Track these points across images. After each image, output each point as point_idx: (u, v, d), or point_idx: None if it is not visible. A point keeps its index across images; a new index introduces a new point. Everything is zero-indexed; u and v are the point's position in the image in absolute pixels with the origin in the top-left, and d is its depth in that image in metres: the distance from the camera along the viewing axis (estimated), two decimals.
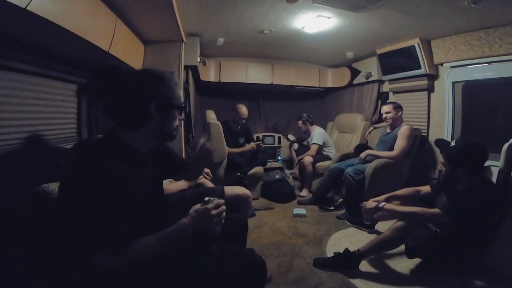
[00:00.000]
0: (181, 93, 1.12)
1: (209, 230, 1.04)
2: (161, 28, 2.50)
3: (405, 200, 2.17)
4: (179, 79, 2.91)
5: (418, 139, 3.20)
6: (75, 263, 1.09)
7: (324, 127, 4.60)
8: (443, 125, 3.37)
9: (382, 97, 4.18)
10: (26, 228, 1.25)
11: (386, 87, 4.12)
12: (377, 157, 3.05)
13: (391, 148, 3.05)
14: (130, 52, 2.40)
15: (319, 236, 2.61)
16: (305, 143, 4.43)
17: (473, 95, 3.25)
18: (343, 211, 3.16)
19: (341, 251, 2.07)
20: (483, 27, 2.72)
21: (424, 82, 3.45)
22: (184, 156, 2.95)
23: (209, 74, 4.26)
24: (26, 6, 1.03)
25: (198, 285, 1.07)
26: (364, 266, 2.03)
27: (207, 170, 2.07)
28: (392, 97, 3.98)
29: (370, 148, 3.36)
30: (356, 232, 2.73)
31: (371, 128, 3.76)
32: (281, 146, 5.01)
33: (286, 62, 4.74)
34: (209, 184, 2.16)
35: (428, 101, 3.54)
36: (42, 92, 1.75)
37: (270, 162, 4.53)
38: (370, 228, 2.67)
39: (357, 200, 2.53)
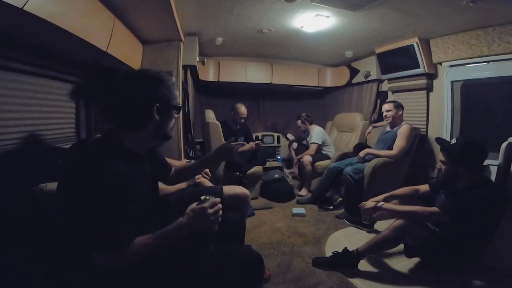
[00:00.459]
0: (178, 93, 1.11)
1: (206, 229, 1.05)
2: (159, 28, 2.50)
3: (404, 199, 2.17)
4: (178, 79, 2.91)
5: (417, 138, 3.20)
6: (74, 263, 1.09)
7: (323, 126, 4.61)
8: (442, 124, 3.37)
9: (381, 96, 4.18)
10: (25, 228, 1.25)
11: (385, 86, 4.12)
12: (376, 156, 3.05)
13: (390, 147, 3.05)
14: (128, 52, 2.40)
15: (318, 236, 2.61)
16: (304, 142, 4.43)
17: (471, 94, 3.26)
18: (342, 211, 3.16)
19: (340, 251, 2.07)
20: (482, 26, 2.72)
21: (423, 81, 3.45)
22: (183, 156, 2.95)
23: (208, 74, 4.26)
24: (23, 6, 1.03)
25: (196, 282, 1.08)
26: (363, 265, 2.03)
27: (205, 169, 2.06)
28: (391, 96, 3.98)
29: (369, 147, 3.36)
30: (355, 231, 2.74)
31: (370, 128, 3.77)
32: (280, 146, 5.01)
33: (285, 62, 4.74)
34: (208, 184, 2.16)
35: (427, 100, 3.54)
36: (41, 92, 1.75)
37: (269, 161, 4.53)
38: (369, 227, 2.68)
39: (356, 200, 2.54)
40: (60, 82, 1.92)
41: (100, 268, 0.92)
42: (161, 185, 1.69)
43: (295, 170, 4.38)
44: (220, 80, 4.33)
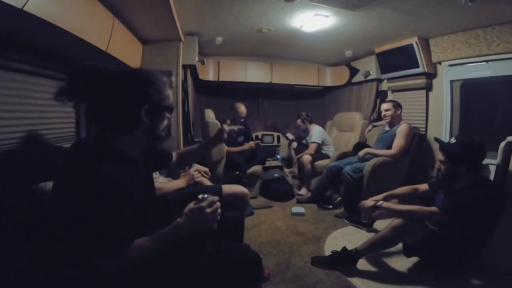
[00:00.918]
0: (170, 92, 1.10)
1: (205, 228, 1.03)
2: (159, 28, 2.51)
3: (403, 198, 2.17)
4: (178, 79, 2.92)
5: (416, 138, 3.20)
6: (74, 262, 1.10)
7: (323, 126, 4.61)
8: (441, 123, 3.37)
9: (381, 96, 4.18)
10: (25, 227, 1.25)
11: (384, 86, 4.12)
12: (375, 155, 3.06)
13: (389, 147, 3.06)
14: (128, 51, 2.41)
15: (318, 235, 2.62)
16: (304, 141, 4.44)
17: (471, 93, 3.26)
18: (341, 210, 3.17)
19: (339, 250, 2.07)
20: (481, 25, 2.72)
21: (422, 81, 3.45)
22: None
23: (208, 73, 4.26)
24: (23, 7, 1.04)
25: (194, 281, 1.07)
26: (362, 264, 2.04)
27: (205, 169, 2.07)
28: (390, 96, 3.98)
29: (369, 147, 3.36)
30: (354, 230, 2.74)
31: (370, 126, 3.77)
32: (280, 145, 5.02)
33: (285, 61, 4.74)
34: (207, 183, 2.16)
35: (426, 100, 3.54)
36: (41, 91, 1.75)
37: (269, 160, 4.53)
38: (368, 226, 2.68)
39: (355, 199, 2.54)
40: (60, 82, 1.92)
41: (99, 268, 0.93)
42: (159, 184, 1.70)
43: (294, 169, 4.39)
44: (219, 79, 4.34)
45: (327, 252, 2.22)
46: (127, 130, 0.99)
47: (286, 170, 4.53)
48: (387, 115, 3.12)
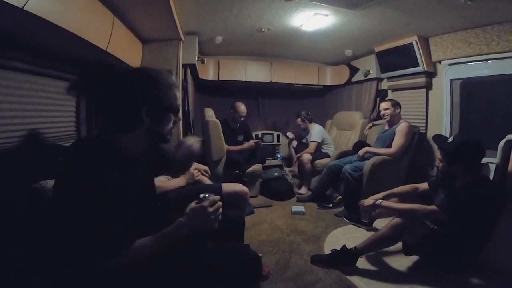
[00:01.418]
0: (177, 93, 1.07)
1: (206, 228, 1.04)
2: (159, 27, 2.51)
3: (403, 197, 2.18)
4: (178, 78, 2.92)
5: (416, 137, 3.21)
6: (74, 262, 1.10)
7: (323, 125, 4.61)
8: (441, 122, 3.37)
9: (381, 95, 4.18)
10: (25, 226, 1.25)
11: (384, 85, 4.13)
12: (375, 154, 3.06)
13: (389, 145, 3.06)
14: (128, 51, 2.41)
15: (317, 234, 2.62)
16: (304, 140, 4.44)
17: (471, 92, 3.26)
18: (341, 209, 3.17)
19: (339, 248, 2.07)
20: (481, 24, 2.72)
21: (422, 80, 3.45)
22: None
23: (208, 73, 4.27)
24: (23, 6, 1.04)
25: (194, 280, 1.08)
26: (362, 263, 2.04)
27: (205, 167, 2.07)
28: (390, 95, 3.98)
29: (369, 146, 3.37)
30: (354, 229, 2.75)
31: (370, 124, 3.77)
32: (280, 144, 5.03)
33: (285, 60, 4.74)
34: (207, 182, 2.17)
35: (426, 99, 3.54)
36: (41, 90, 1.76)
37: (269, 159, 4.54)
38: (368, 225, 2.68)
39: (355, 198, 2.55)
40: (60, 81, 1.93)
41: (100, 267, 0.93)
42: (159, 183, 1.71)
43: (294, 168, 4.39)
44: (219, 79, 4.34)
45: (327, 251, 2.23)
46: (127, 129, 0.98)
47: (286, 169, 4.54)
48: (386, 114, 3.13)
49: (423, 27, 2.97)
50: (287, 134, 4.83)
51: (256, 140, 3.80)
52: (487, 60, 2.86)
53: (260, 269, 1.28)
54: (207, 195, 1.06)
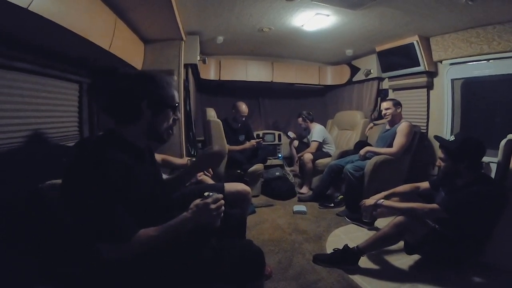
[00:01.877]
0: (175, 92, 1.17)
1: (209, 224, 1.09)
2: (160, 27, 2.52)
3: (404, 196, 2.18)
4: (179, 78, 2.93)
5: (417, 136, 3.21)
6: (77, 259, 1.11)
7: (324, 124, 4.61)
8: (442, 122, 3.37)
9: (382, 94, 4.18)
10: (29, 225, 1.26)
11: (385, 85, 4.13)
12: (376, 153, 3.06)
13: (390, 145, 3.06)
14: (130, 51, 2.42)
15: (319, 233, 2.62)
16: (305, 140, 4.45)
17: (472, 92, 3.26)
18: (343, 208, 3.18)
19: (341, 248, 2.08)
20: (482, 24, 2.72)
21: (423, 79, 3.46)
22: (185, 153, 2.97)
23: (209, 72, 4.27)
24: (28, 6, 1.05)
25: (198, 276, 1.10)
26: (364, 262, 2.05)
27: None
28: (391, 94, 3.99)
29: (370, 145, 3.37)
30: (356, 228, 2.75)
31: (371, 124, 3.77)
32: (281, 144, 5.03)
33: (286, 60, 4.74)
34: (209, 181, 2.17)
35: (427, 98, 3.54)
36: (44, 91, 1.77)
37: (270, 159, 4.54)
38: (369, 225, 2.68)
39: (356, 197, 2.55)
40: (62, 81, 1.94)
41: (103, 261, 0.95)
42: (168, 157, 1.98)
43: (296, 168, 4.40)
44: (221, 78, 4.35)
45: (329, 250, 2.24)
46: (130, 120, 1.07)
47: (288, 169, 4.53)
48: (387, 113, 3.13)
49: (424, 27, 2.97)
50: (288, 133, 4.84)
51: (258, 140, 3.81)
52: (488, 60, 2.86)
53: (263, 264, 1.30)
54: (210, 193, 1.10)
